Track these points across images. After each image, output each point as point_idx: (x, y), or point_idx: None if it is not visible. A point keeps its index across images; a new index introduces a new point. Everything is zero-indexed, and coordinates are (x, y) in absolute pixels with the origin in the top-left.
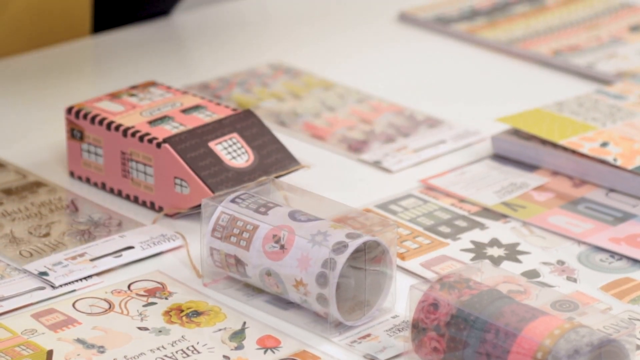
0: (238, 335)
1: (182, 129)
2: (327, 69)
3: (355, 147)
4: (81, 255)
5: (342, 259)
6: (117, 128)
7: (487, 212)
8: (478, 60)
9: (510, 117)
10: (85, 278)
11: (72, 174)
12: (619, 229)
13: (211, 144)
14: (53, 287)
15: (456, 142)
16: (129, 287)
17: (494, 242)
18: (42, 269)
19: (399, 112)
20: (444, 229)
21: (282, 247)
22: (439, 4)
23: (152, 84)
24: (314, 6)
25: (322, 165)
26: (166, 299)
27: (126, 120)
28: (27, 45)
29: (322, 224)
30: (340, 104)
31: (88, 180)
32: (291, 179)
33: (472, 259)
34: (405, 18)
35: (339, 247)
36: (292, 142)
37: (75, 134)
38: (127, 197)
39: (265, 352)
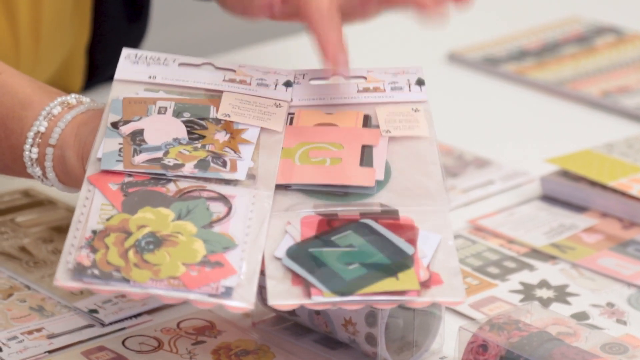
0: None
1: None
2: None
3: None
4: None
5: None
6: None
7: (536, 253)
8: (527, 100)
9: (559, 158)
10: (135, 316)
11: None
12: None
13: None
14: (103, 324)
15: (505, 182)
16: (178, 325)
17: (543, 284)
18: (92, 307)
19: (447, 152)
20: (493, 269)
21: None
22: (487, 44)
23: None
24: (362, 47)
25: None
26: (215, 337)
27: None
28: None
29: None
30: None
31: None
32: None
33: (521, 301)
34: (454, 58)
35: None
36: None
37: None
38: None
39: None
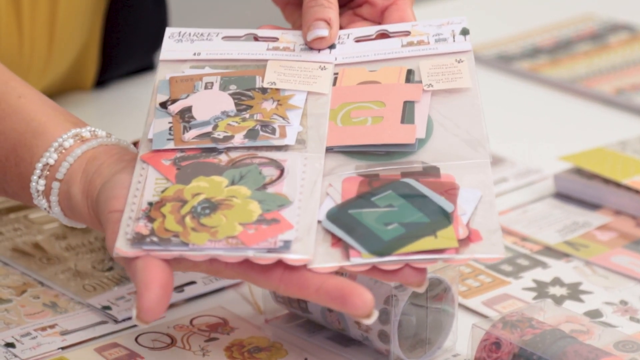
0: None
1: None
2: None
3: None
4: None
5: (404, 296)
6: None
7: (550, 250)
8: (540, 98)
9: (573, 156)
10: None
11: None
12: None
13: None
14: (116, 321)
15: (518, 180)
16: (191, 322)
17: (556, 281)
18: (105, 303)
19: None
20: (506, 267)
21: None
22: (501, 41)
23: None
24: None
25: None
26: (228, 334)
27: None
28: None
29: None
30: None
31: None
32: None
33: (534, 298)
34: None
35: (402, 284)
36: None
37: None
38: None
39: None
